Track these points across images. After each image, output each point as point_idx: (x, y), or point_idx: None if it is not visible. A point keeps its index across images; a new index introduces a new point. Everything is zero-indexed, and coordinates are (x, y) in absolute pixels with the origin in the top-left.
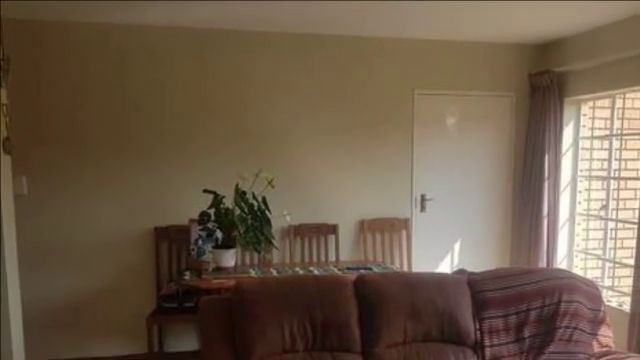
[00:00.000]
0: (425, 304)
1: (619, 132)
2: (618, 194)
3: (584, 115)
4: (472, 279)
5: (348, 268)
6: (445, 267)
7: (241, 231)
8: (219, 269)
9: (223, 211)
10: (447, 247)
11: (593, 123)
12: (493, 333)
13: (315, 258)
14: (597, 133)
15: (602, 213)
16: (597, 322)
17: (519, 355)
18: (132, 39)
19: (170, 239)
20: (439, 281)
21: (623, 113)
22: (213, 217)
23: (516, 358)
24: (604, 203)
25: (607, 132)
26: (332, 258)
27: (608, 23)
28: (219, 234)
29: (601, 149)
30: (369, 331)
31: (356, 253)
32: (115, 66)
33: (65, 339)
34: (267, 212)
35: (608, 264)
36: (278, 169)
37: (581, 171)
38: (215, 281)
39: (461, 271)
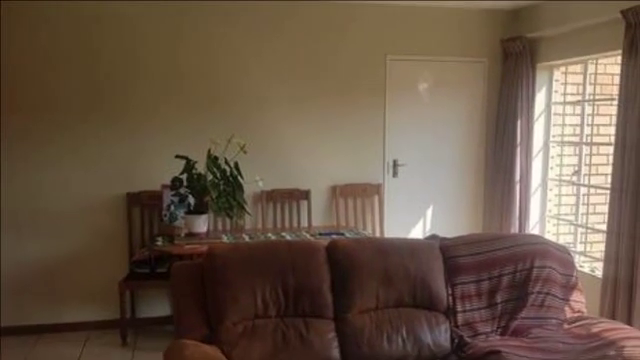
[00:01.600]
0: (397, 270)
1: (591, 98)
2: (590, 160)
3: (556, 81)
4: (444, 245)
5: (320, 234)
6: (417, 233)
7: (213, 197)
8: (191, 235)
9: (195, 177)
10: (419, 213)
11: (565, 89)
12: (465, 299)
13: (287, 224)
14: (569, 99)
15: (574, 179)
16: (569, 287)
17: (491, 320)
18: (104, 5)
19: (142, 205)
20: (411, 247)
21: (595, 79)
22: (185, 183)
23: (488, 323)
24: (576, 169)
25: (579, 98)
26: (304, 224)
27: None
28: (191, 200)
29: (573, 115)
30: (341, 297)
31: (328, 219)
32: (87, 33)
33: (38, 305)
34: (239, 178)
35: (580, 229)
36: (250, 135)
37: (553, 137)
38: (187, 247)
39: (433, 237)
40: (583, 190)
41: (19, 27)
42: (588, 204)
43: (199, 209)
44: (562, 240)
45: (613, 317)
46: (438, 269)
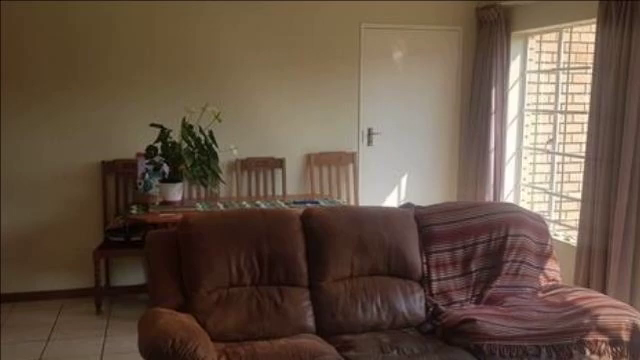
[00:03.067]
0: (372, 238)
1: (566, 66)
2: (565, 128)
3: (531, 49)
4: (419, 213)
5: (295, 202)
6: (392, 201)
7: (188, 165)
8: (166, 203)
9: (170, 145)
10: (394, 181)
11: (540, 57)
12: (440, 267)
13: (262, 192)
14: (544, 67)
15: (549, 147)
16: (544, 256)
17: (466, 289)
18: None
19: (117, 173)
20: (386, 215)
21: (570, 47)
22: (160, 151)
23: (463, 292)
24: (551, 137)
25: (554, 66)
26: (279, 192)
27: None
28: (166, 168)
29: (548, 83)
30: (316, 265)
31: (303, 187)
32: (61, 1)
33: (12, 273)
34: (214, 146)
35: (555, 198)
36: (225, 103)
37: (528, 105)
38: (162, 215)
39: (408, 205)
40: (558, 158)
41: None
42: (563, 172)
43: (174, 177)
44: (537, 209)
45: (587, 285)
46: (413, 238)
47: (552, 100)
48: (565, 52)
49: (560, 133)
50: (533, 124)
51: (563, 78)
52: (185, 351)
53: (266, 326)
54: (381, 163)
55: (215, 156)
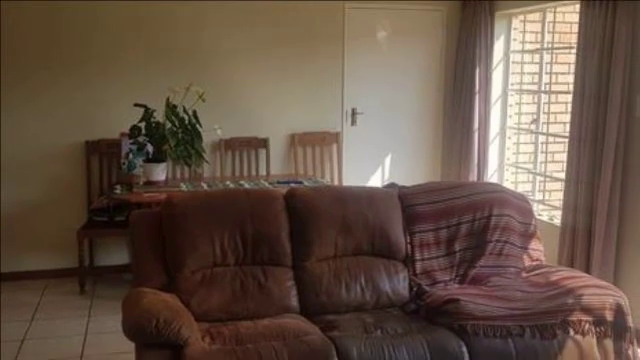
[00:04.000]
0: (356, 218)
1: (550, 46)
2: (549, 108)
3: (515, 29)
4: (403, 193)
5: (279, 182)
6: (376, 181)
7: (172, 145)
8: (150, 183)
9: (154, 125)
10: (378, 161)
11: (524, 37)
12: (424, 247)
13: (246, 172)
14: (528, 47)
15: (533, 127)
16: (528, 236)
17: (449, 269)
18: None
19: (101, 153)
20: (370, 195)
21: (554, 27)
22: (144, 131)
23: (447, 272)
24: (535, 117)
25: (538, 46)
26: (263, 172)
27: None
28: (150, 148)
29: (532, 63)
30: (300, 245)
31: (287, 167)
32: None
33: None
34: (198, 126)
35: (539, 178)
36: (209, 83)
37: (512, 85)
38: (146, 195)
39: (392, 185)
40: (542, 138)
41: None
42: (547, 152)
43: (158, 157)
44: (520, 188)
45: (571, 265)
46: (397, 217)
47: (536, 80)
48: (549, 32)
49: (544, 113)
50: (517, 104)
51: (547, 58)
52: (169, 331)
53: (250, 306)
54: (365, 143)
55: (199, 136)
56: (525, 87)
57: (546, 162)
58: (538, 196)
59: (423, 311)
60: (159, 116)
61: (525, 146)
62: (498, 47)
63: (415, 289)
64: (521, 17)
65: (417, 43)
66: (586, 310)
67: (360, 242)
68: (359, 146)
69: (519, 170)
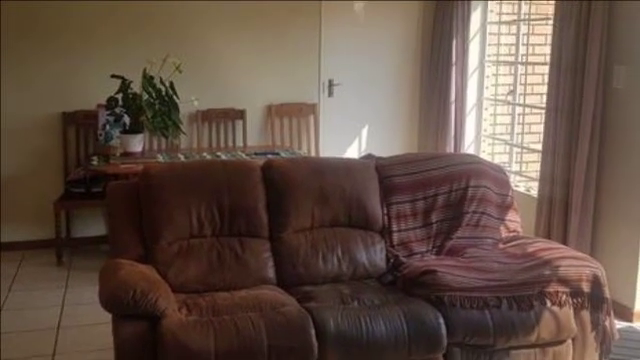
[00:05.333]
0: (333, 189)
1: (526, 17)
2: (525, 79)
3: (491, 0)
4: (380, 164)
5: (256, 153)
6: (353, 152)
7: (149, 116)
8: (127, 154)
9: (131, 96)
10: (355, 132)
11: (501, 8)
12: (401, 218)
13: (223, 143)
14: (505, 18)
15: (510, 98)
16: (505, 207)
17: (426, 240)
18: None
19: (78, 124)
20: (347, 166)
21: None
22: (121, 102)
23: (423, 243)
24: (511, 88)
25: (515, 17)
26: (240, 143)
27: None
28: (127, 119)
29: (509, 34)
30: (277, 216)
31: (264, 138)
32: None
33: None
34: (175, 97)
35: (516, 149)
36: (186, 54)
37: (489, 56)
38: (123, 166)
39: (369, 156)
40: (518, 110)
41: None
42: (523, 124)
43: (135, 129)
44: (497, 160)
45: (548, 237)
46: (373, 189)
47: (513, 51)
48: (526, 3)
49: (521, 84)
50: (494, 75)
51: (524, 29)
52: (146, 302)
53: (227, 277)
54: (342, 114)
55: (176, 107)
56: (502, 58)
57: (523, 133)
58: (515, 167)
59: (400, 282)
60: (136, 87)
61: (502, 117)
62: (475, 18)
63: (392, 260)
64: None
65: (394, 14)
66: (563, 281)
67: (337, 213)
68: (336, 117)
69: (496, 141)
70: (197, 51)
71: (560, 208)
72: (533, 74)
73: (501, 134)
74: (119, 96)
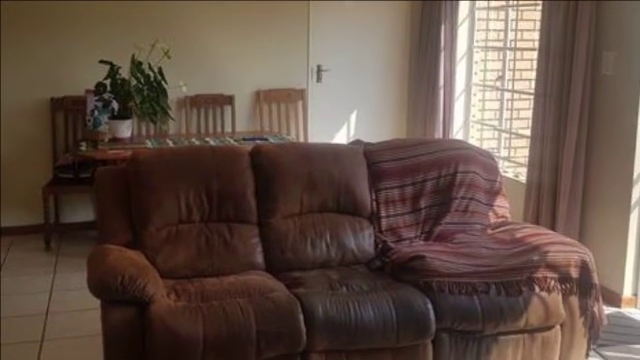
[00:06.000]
0: (321, 175)
1: (515, 3)
2: (514, 65)
3: None
4: (368, 150)
5: (244, 139)
6: (341, 138)
7: (137, 102)
8: (115, 140)
9: (119, 82)
10: (343, 118)
11: None
12: (389, 204)
13: (211, 129)
14: (493, 4)
15: (498, 84)
16: (493, 193)
17: (415, 226)
18: None
19: (66, 110)
20: (335, 152)
21: None
22: (109, 88)
23: (412, 229)
24: (500, 74)
25: (503, 3)
26: (228, 129)
27: None
28: (115, 105)
29: (497, 20)
30: (265, 202)
31: (252, 124)
32: None
33: None
34: (163, 83)
35: (504, 135)
36: (174, 40)
37: (477, 42)
38: (111, 152)
39: (357, 142)
40: (507, 95)
41: None
42: (512, 109)
43: (123, 114)
44: (486, 145)
45: (537, 222)
46: (362, 174)
47: (501, 37)
48: None
49: (509, 70)
50: (482, 61)
51: (512, 15)
52: (134, 288)
53: (215, 263)
54: (330, 100)
55: (164, 93)
56: (490, 44)
57: (511, 119)
58: (503, 153)
59: (388, 268)
60: (124, 73)
61: (490, 103)
62: (463, 4)
63: (380, 246)
64: None
65: (383, 0)
66: (551, 267)
67: (325, 199)
68: (325, 103)
69: (484, 127)
70: (186, 37)
71: (548, 194)
72: (522, 60)
73: (490, 120)
74: (107, 82)
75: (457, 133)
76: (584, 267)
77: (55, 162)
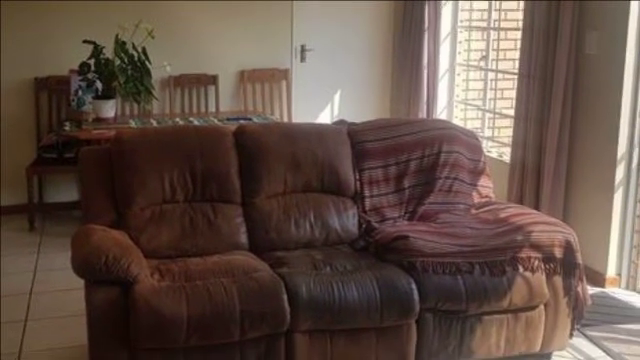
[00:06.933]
0: (305, 155)
1: None
2: (498, 45)
3: None
4: (352, 130)
5: (228, 119)
6: (325, 118)
7: (121, 82)
8: (99, 120)
9: (103, 62)
10: (327, 98)
11: None
12: (373, 184)
13: (195, 109)
14: None
15: (482, 64)
16: (477, 173)
17: (399, 205)
18: None
19: (50, 90)
20: (319, 132)
21: None
22: (93, 68)
23: (396, 209)
24: (484, 54)
25: None
26: (212, 109)
27: None
28: (99, 85)
29: None
30: (249, 182)
31: (236, 104)
32: None
33: None
34: (147, 63)
35: (488, 115)
36: (158, 20)
37: (461, 22)
38: (95, 132)
39: (341, 122)
40: (491, 75)
41: None
42: (496, 89)
43: (107, 94)
44: (470, 125)
45: (521, 202)
46: (346, 154)
47: (485, 17)
48: None
49: (493, 50)
50: (466, 41)
51: None
52: (118, 268)
53: (199, 243)
54: (314, 80)
55: (148, 73)
56: (474, 24)
57: (495, 99)
58: (487, 133)
59: (372, 248)
60: (108, 53)
61: (474, 83)
62: None
63: (364, 226)
64: None
65: None
66: (535, 247)
67: (309, 179)
68: (308, 83)
69: (468, 107)
70: (170, 17)
71: (532, 174)
72: (506, 39)
73: (473, 100)
74: (91, 62)
75: (441, 113)
76: (568, 247)
77: (39, 142)
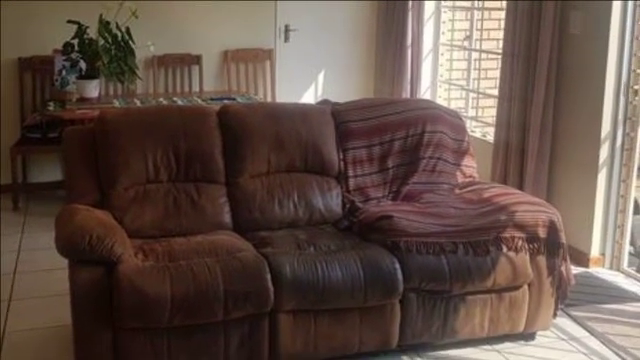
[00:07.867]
0: (289, 134)
1: None
2: (482, 24)
3: None
4: (336, 110)
5: (212, 99)
6: (309, 98)
7: (105, 61)
8: (83, 100)
9: (87, 41)
10: (311, 78)
11: None
12: (357, 164)
13: (179, 89)
14: None
15: (466, 43)
16: (461, 152)
17: (383, 185)
18: None
19: (34, 70)
20: (303, 112)
21: None
22: (77, 47)
23: (380, 188)
24: (468, 33)
25: None
26: (196, 89)
27: None
28: (83, 65)
29: None
30: (233, 162)
31: (220, 84)
32: None
33: None
34: (131, 42)
35: (472, 94)
36: None
37: (445, 1)
38: (79, 111)
39: (325, 102)
40: (475, 55)
41: None
42: (480, 69)
43: (91, 74)
44: (453, 105)
45: (505, 182)
46: (330, 134)
47: None
48: None
49: (477, 30)
50: (450, 20)
51: None
52: (102, 247)
53: (183, 222)
54: (298, 60)
55: (132, 52)
56: (458, 4)
57: (479, 79)
58: (471, 113)
59: (356, 228)
60: (92, 33)
61: (458, 63)
62: None
63: (348, 206)
64: None
65: None
66: (519, 227)
67: (293, 159)
68: (292, 63)
69: (452, 87)
70: None
71: (516, 153)
72: (489, 19)
73: (457, 79)
74: (75, 41)
75: (425, 93)
76: (552, 227)
77: (23, 122)
